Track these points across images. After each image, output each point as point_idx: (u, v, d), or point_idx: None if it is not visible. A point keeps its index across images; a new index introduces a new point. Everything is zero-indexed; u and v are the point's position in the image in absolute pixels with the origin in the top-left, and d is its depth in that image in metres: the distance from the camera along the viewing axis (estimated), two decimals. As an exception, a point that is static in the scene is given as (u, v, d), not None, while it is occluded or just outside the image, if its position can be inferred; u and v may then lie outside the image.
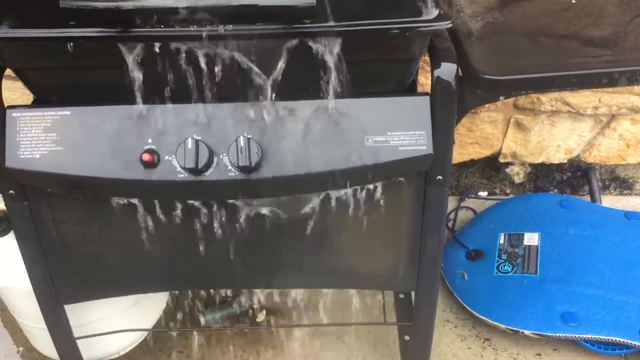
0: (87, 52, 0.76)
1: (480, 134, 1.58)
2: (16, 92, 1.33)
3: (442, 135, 0.84)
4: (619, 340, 1.25)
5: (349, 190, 0.89)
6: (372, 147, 0.83)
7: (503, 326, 1.32)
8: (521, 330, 1.30)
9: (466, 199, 1.69)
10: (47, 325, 1.05)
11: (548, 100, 1.50)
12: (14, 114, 0.83)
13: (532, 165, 1.67)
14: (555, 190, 1.70)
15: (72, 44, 0.74)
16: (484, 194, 1.72)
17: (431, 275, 0.99)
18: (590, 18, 0.95)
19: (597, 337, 1.26)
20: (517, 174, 1.69)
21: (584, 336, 1.27)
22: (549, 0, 0.99)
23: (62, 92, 0.84)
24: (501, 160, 1.65)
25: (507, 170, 1.68)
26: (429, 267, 0.98)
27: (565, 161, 1.64)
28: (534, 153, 1.62)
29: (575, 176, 1.67)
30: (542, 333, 1.29)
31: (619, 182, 1.70)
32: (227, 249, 0.96)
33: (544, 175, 1.69)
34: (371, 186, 0.89)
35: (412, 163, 0.84)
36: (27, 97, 0.89)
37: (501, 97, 0.82)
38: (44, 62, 0.80)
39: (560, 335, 1.28)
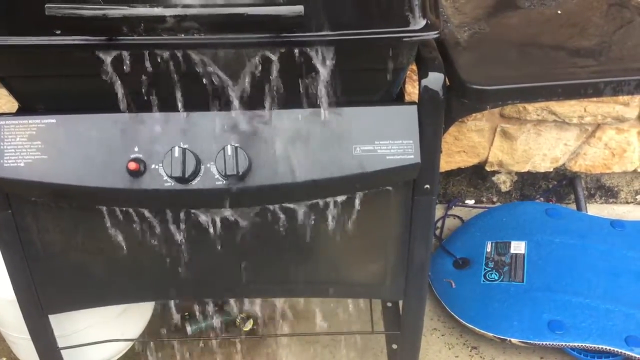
0: (73, 60, 0.75)
1: (467, 142, 1.59)
2: (1, 99, 1.32)
3: (430, 145, 0.84)
4: (606, 348, 1.26)
5: (337, 199, 0.89)
6: (359, 156, 0.83)
7: (490, 334, 1.32)
8: (508, 339, 1.31)
9: (453, 207, 1.70)
10: (31, 335, 1.04)
11: (534, 109, 1.51)
12: (-2, 122, 0.82)
13: (518, 173, 1.68)
14: (542, 199, 1.71)
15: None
16: (470, 202, 1.73)
17: (419, 284, 0.99)
18: (576, 29, 0.96)
19: (583, 345, 1.27)
20: (504, 182, 1.70)
21: (571, 344, 1.28)
22: (535, 11, 1.00)
23: (47, 100, 0.83)
24: (488, 168, 1.65)
25: (494, 178, 1.69)
26: (417, 276, 0.98)
27: (551, 170, 1.66)
28: (520, 162, 1.63)
29: (561, 185, 1.69)
30: (529, 341, 1.29)
31: (604, 190, 1.72)
32: (214, 259, 0.95)
33: (530, 184, 1.70)
34: (359, 195, 0.89)
35: (399, 172, 0.84)
36: (13, 104, 0.88)
37: (488, 107, 0.82)
38: (29, 70, 0.79)
39: (547, 343, 1.28)
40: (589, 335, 1.28)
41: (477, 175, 1.69)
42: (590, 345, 1.27)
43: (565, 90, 0.81)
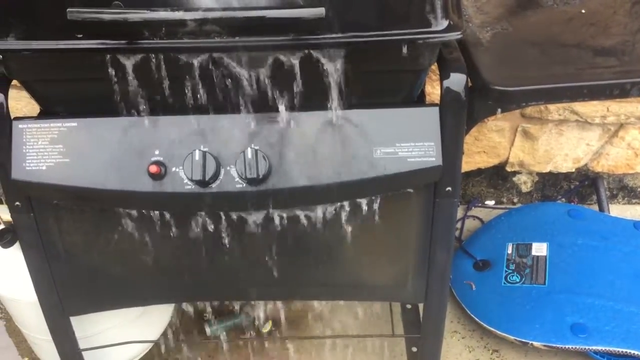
0: (94, 64, 0.76)
1: (488, 142, 1.58)
2: (21, 101, 1.33)
3: (452, 147, 0.83)
4: (630, 352, 1.24)
5: (358, 202, 0.88)
6: (380, 158, 0.82)
7: (512, 337, 1.31)
8: (530, 342, 1.29)
9: (473, 208, 1.68)
10: (53, 337, 1.04)
11: (556, 109, 1.49)
12: (20, 126, 0.83)
13: (539, 174, 1.66)
14: (563, 200, 1.69)
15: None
16: (491, 203, 1.71)
17: (440, 287, 0.98)
18: (600, 28, 0.95)
19: (607, 348, 1.25)
20: (525, 183, 1.68)
21: (594, 348, 1.26)
22: (558, 10, 0.98)
23: (69, 103, 0.83)
24: (508, 169, 1.64)
25: (515, 179, 1.67)
26: (438, 279, 0.97)
27: (573, 170, 1.63)
28: (542, 162, 1.61)
29: (583, 185, 1.66)
30: (551, 345, 1.27)
31: (627, 191, 1.69)
32: (234, 261, 0.95)
33: (551, 184, 1.68)
34: (379, 197, 0.88)
35: (421, 175, 0.84)
36: (33, 106, 0.89)
37: (511, 108, 0.81)
38: (51, 74, 0.80)
39: (570, 347, 1.26)
40: (612, 338, 1.25)
41: (498, 176, 1.67)
42: (614, 349, 1.24)
43: (591, 91, 0.80)
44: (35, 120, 0.83)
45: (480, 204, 1.70)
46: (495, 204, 1.71)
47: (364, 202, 0.88)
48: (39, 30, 0.74)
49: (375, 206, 0.88)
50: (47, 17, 0.73)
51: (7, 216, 0.97)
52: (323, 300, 1.29)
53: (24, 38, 0.74)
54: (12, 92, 0.84)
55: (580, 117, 1.50)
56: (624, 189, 1.69)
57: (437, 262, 0.94)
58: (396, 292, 1.02)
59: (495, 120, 1.53)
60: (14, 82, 0.83)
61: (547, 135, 1.55)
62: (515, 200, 1.71)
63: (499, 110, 0.82)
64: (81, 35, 0.72)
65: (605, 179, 1.65)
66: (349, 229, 0.90)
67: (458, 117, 0.83)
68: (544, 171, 1.63)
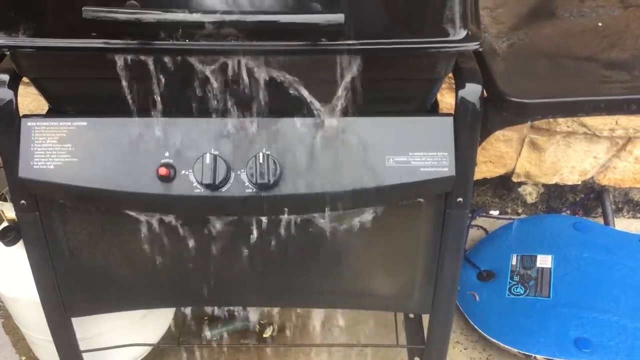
0: (106, 63, 0.74)
1: (495, 152, 1.57)
2: (28, 97, 1.32)
3: (465, 157, 0.82)
4: (634, 369, 1.23)
5: (367, 210, 0.87)
6: (392, 167, 0.81)
7: (515, 350, 1.30)
8: (533, 355, 1.28)
9: (477, 217, 1.67)
10: (53, 337, 1.03)
11: (564, 121, 1.48)
12: (29, 123, 0.82)
13: (545, 185, 1.65)
14: (568, 212, 1.68)
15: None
16: (495, 212, 1.70)
17: (447, 299, 0.97)
18: (618, 42, 0.93)
19: (611, 364, 1.24)
20: (530, 194, 1.67)
21: (598, 363, 1.25)
22: (574, 22, 0.97)
23: (79, 102, 0.82)
24: (514, 179, 1.63)
25: (520, 189, 1.66)
26: (446, 291, 0.95)
27: (579, 183, 1.62)
28: (548, 174, 1.60)
29: (589, 198, 1.65)
30: (554, 359, 1.26)
31: (632, 205, 1.68)
32: (239, 266, 0.94)
33: (556, 196, 1.67)
34: (390, 206, 0.87)
35: (433, 185, 0.82)
36: (39, 102, 0.88)
37: (527, 120, 0.79)
38: (62, 72, 0.79)
39: (574, 361, 1.25)
40: (616, 354, 1.24)
41: (503, 186, 1.66)
42: (618, 364, 1.24)
43: (609, 106, 0.78)
44: (44, 118, 0.82)
45: (484, 214, 1.69)
46: (500, 214, 1.70)
47: (374, 211, 0.87)
48: (51, 27, 0.73)
49: (386, 215, 0.87)
50: (60, 14, 0.72)
51: (11, 214, 0.96)
52: (329, 309, 1.27)
53: (36, 35, 0.72)
54: (19, 88, 0.83)
55: (589, 129, 1.49)
56: (629, 203, 1.68)
57: (446, 273, 0.93)
58: (402, 302, 1.01)
59: (503, 130, 1.52)
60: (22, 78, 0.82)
61: (554, 147, 1.54)
62: (520, 211, 1.70)
63: (514, 122, 0.81)
64: (95, 34, 0.71)
65: (611, 192, 1.64)
66: (357, 237, 0.89)
67: (472, 128, 0.82)
68: (549, 183, 1.63)
